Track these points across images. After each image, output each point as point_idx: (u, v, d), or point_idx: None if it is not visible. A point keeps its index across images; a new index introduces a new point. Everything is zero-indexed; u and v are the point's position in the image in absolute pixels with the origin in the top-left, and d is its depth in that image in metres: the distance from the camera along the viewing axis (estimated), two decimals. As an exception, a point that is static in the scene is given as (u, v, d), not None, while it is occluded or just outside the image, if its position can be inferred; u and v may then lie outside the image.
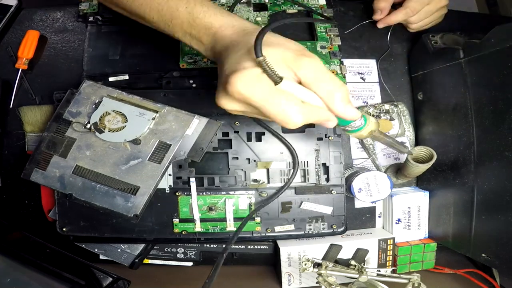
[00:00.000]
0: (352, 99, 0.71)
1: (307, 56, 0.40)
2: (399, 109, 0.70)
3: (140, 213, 0.57)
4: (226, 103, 0.42)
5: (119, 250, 0.66)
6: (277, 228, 0.62)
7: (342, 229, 0.62)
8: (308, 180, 0.62)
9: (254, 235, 0.62)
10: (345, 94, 0.41)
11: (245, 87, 0.39)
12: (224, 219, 0.61)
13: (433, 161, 0.59)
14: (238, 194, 0.61)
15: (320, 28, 0.66)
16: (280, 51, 0.40)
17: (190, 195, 0.60)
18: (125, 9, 0.53)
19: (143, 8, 0.49)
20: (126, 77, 0.63)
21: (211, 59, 0.49)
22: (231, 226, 0.61)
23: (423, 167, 0.60)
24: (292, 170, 0.61)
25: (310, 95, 0.40)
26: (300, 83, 0.40)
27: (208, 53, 0.48)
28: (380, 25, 0.69)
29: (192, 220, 0.61)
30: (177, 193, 0.60)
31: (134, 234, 0.60)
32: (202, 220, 0.61)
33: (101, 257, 0.67)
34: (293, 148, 0.61)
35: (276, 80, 0.39)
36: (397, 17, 0.66)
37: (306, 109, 0.40)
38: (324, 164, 0.62)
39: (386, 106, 0.70)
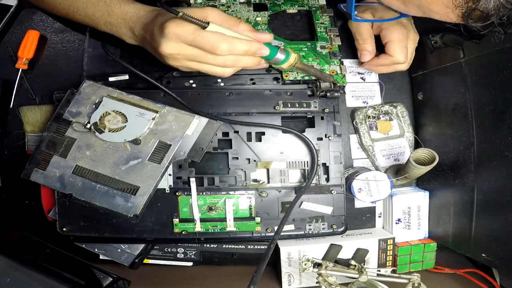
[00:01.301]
0: (352, 99, 0.71)
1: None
2: (398, 110, 0.70)
3: (140, 213, 0.57)
4: (166, 47, 0.51)
5: (119, 250, 0.66)
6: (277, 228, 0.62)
7: (342, 229, 0.62)
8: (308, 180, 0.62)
9: (254, 235, 0.62)
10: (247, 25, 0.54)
11: (178, 27, 0.49)
12: (224, 219, 0.61)
13: (435, 163, 0.59)
14: (238, 194, 0.61)
15: (320, 28, 0.66)
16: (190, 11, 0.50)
17: (190, 195, 0.60)
18: (54, 10, 0.62)
19: (72, 8, 0.59)
20: (126, 77, 0.63)
21: (133, 42, 0.59)
22: (231, 226, 0.61)
23: (424, 169, 0.60)
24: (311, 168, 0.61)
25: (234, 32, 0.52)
26: None
27: (129, 36, 0.58)
28: (366, 66, 0.67)
29: (192, 220, 0.61)
30: (177, 193, 0.60)
31: (134, 234, 0.60)
32: (202, 220, 0.61)
33: (101, 257, 0.67)
34: (313, 145, 0.61)
35: (204, 25, 0.49)
36: (384, 61, 0.63)
37: (229, 38, 0.50)
38: (324, 164, 0.62)
39: (385, 107, 0.69)
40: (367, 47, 0.64)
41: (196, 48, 0.51)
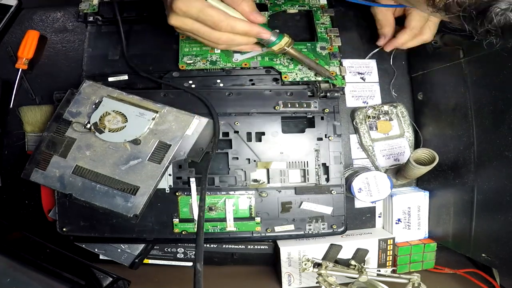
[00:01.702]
0: (352, 99, 0.71)
1: None
2: (398, 110, 0.70)
3: (140, 213, 0.57)
4: (173, 19, 0.52)
5: (119, 250, 0.66)
6: (277, 228, 0.62)
7: (342, 229, 0.62)
8: (308, 180, 0.62)
9: (254, 235, 0.62)
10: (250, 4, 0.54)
11: (184, 3, 0.50)
12: (224, 219, 0.61)
13: (435, 163, 0.59)
14: (238, 194, 0.61)
15: (321, 29, 0.66)
16: None
17: (190, 195, 0.60)
18: None
19: None
20: (126, 77, 0.63)
21: None
22: (231, 226, 0.61)
23: (424, 169, 0.60)
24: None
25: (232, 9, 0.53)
26: None
27: None
28: (387, 49, 0.67)
29: (192, 220, 0.61)
30: (177, 193, 0.60)
31: (134, 234, 0.60)
32: (202, 220, 0.61)
33: (101, 257, 0.67)
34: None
35: None
36: (403, 38, 0.64)
37: (231, 18, 0.52)
38: (324, 164, 0.62)
39: (385, 108, 0.70)
40: (384, 32, 0.66)
41: (199, 23, 0.53)
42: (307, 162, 0.62)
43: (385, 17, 0.65)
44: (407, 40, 0.64)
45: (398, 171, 0.68)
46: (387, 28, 0.66)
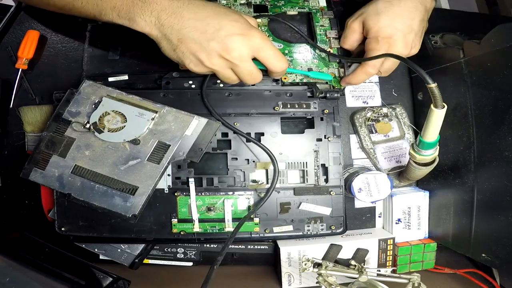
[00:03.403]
0: (352, 99, 0.71)
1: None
2: (397, 111, 0.69)
3: (138, 213, 0.57)
4: (213, 61, 0.51)
5: (119, 250, 0.66)
6: (275, 229, 0.62)
7: (340, 230, 0.62)
8: (307, 181, 0.62)
9: (252, 235, 0.62)
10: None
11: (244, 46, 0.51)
12: (222, 220, 0.61)
13: (435, 164, 0.59)
14: (237, 194, 0.61)
15: (320, 31, 0.66)
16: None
17: (189, 195, 0.60)
18: (56, 5, 0.57)
19: None
20: (126, 77, 0.63)
21: (150, 33, 0.52)
22: (229, 226, 0.61)
23: (426, 170, 0.60)
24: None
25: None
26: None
27: (149, 27, 0.52)
28: (342, 84, 0.64)
29: (190, 221, 0.61)
30: (176, 194, 0.60)
31: (133, 234, 0.60)
32: (200, 221, 0.61)
33: (101, 257, 0.67)
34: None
35: None
36: (358, 78, 0.61)
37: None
38: (323, 165, 0.62)
39: (385, 110, 0.69)
40: (346, 45, 0.64)
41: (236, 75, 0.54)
42: (306, 162, 0.62)
43: (351, 36, 0.62)
44: (364, 79, 0.61)
45: (400, 173, 0.68)
46: (348, 46, 0.63)
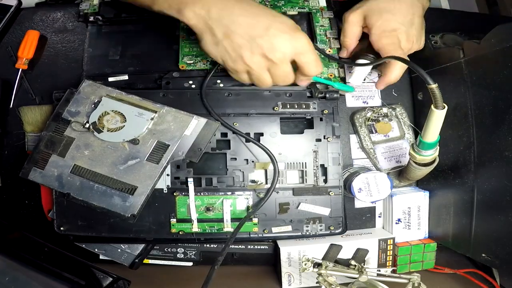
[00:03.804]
0: (352, 99, 0.71)
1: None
2: (397, 111, 0.69)
3: (137, 213, 0.57)
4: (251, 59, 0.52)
5: (119, 250, 0.66)
6: (274, 229, 0.62)
7: (339, 230, 0.62)
8: (306, 181, 0.62)
9: (251, 236, 0.62)
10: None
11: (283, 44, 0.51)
12: (221, 220, 0.61)
13: (435, 164, 0.59)
14: (236, 195, 0.61)
15: (320, 31, 0.65)
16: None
17: (188, 195, 0.60)
18: None
19: None
20: (126, 77, 0.63)
21: (193, 23, 0.52)
22: (228, 226, 0.61)
23: (426, 170, 0.60)
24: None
25: None
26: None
27: (196, 19, 0.51)
28: (380, 87, 0.66)
29: (189, 221, 0.61)
30: (175, 193, 0.60)
31: (132, 234, 0.60)
32: (199, 221, 0.61)
33: (101, 257, 0.67)
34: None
35: None
36: (397, 75, 0.62)
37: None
38: (322, 166, 0.62)
39: (384, 110, 0.69)
40: (346, 43, 0.63)
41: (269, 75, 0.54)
42: (306, 163, 0.62)
43: (351, 29, 0.62)
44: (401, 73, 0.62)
45: (400, 173, 0.68)
46: (349, 40, 0.63)
